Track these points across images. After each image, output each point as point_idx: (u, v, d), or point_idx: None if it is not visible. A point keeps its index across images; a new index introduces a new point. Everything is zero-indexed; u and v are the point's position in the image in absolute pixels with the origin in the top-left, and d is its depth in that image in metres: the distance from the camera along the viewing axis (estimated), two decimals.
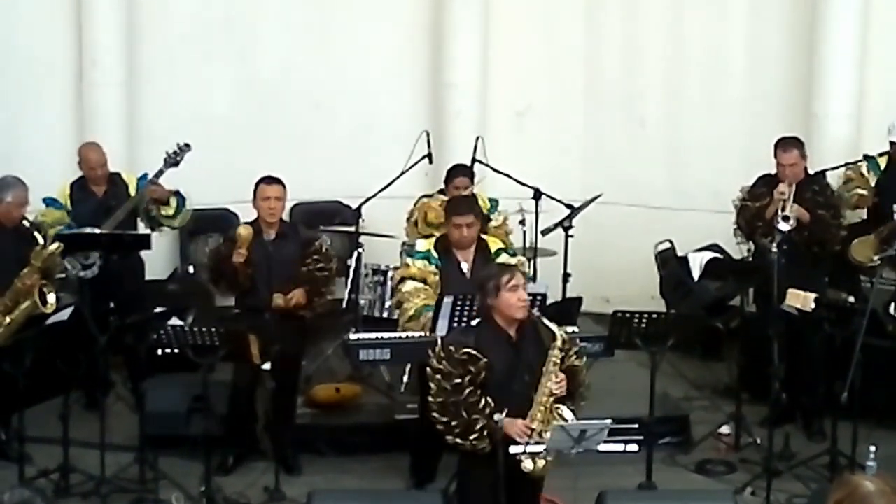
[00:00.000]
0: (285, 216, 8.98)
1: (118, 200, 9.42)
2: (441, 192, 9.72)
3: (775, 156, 9.11)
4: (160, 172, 9.39)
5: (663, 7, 11.55)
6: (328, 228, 10.61)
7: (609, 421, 6.50)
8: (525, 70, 11.77)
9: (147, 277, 9.90)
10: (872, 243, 9.25)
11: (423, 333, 7.95)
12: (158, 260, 10.33)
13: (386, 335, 8.21)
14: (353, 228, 9.92)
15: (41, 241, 8.56)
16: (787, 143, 9.14)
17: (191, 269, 10.70)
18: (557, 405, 6.54)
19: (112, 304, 9.15)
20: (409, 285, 8.27)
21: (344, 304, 9.82)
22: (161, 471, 8.21)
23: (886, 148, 9.56)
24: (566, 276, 9.87)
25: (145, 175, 9.48)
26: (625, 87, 11.69)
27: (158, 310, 8.49)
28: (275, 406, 8.57)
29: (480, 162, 10.14)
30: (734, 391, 9.34)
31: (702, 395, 9.94)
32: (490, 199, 9.85)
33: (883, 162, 9.56)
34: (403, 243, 9.76)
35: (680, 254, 10.68)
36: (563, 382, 6.54)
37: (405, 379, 9.41)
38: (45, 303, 8.41)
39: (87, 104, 10.90)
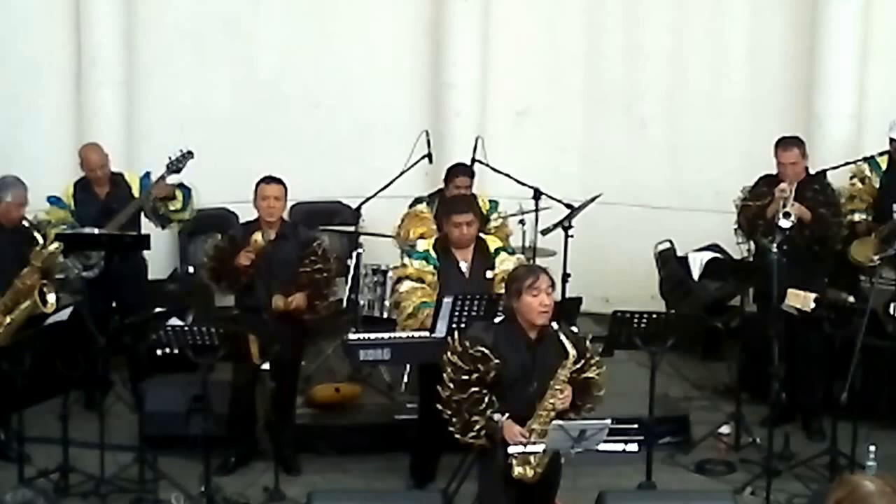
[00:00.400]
0: (285, 216, 8.97)
1: (120, 202, 9.42)
2: (440, 191, 9.72)
3: (776, 155, 9.11)
4: (161, 179, 9.38)
5: (664, 7, 11.54)
6: (328, 228, 10.60)
7: (609, 421, 6.50)
8: (525, 70, 11.77)
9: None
10: (872, 243, 9.25)
11: (422, 332, 7.94)
12: (158, 260, 10.33)
13: (386, 335, 8.21)
14: (352, 228, 9.92)
15: (41, 241, 8.56)
16: (787, 143, 9.14)
17: (190, 270, 10.70)
18: (557, 419, 6.47)
19: (115, 305, 9.14)
20: (406, 285, 8.26)
21: (344, 304, 9.81)
22: (161, 471, 8.22)
23: (887, 146, 9.55)
24: (566, 276, 9.86)
25: (148, 174, 9.47)
26: (625, 87, 11.68)
27: (158, 310, 8.49)
28: (274, 406, 8.57)
29: (480, 162, 10.14)
30: (734, 391, 9.33)
31: (702, 395, 9.94)
32: (490, 201, 9.85)
33: (883, 162, 9.56)
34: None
35: (680, 254, 10.68)
36: (567, 398, 6.49)
37: (405, 379, 9.42)
38: (45, 303, 8.41)
39: (86, 104, 10.90)
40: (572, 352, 6.47)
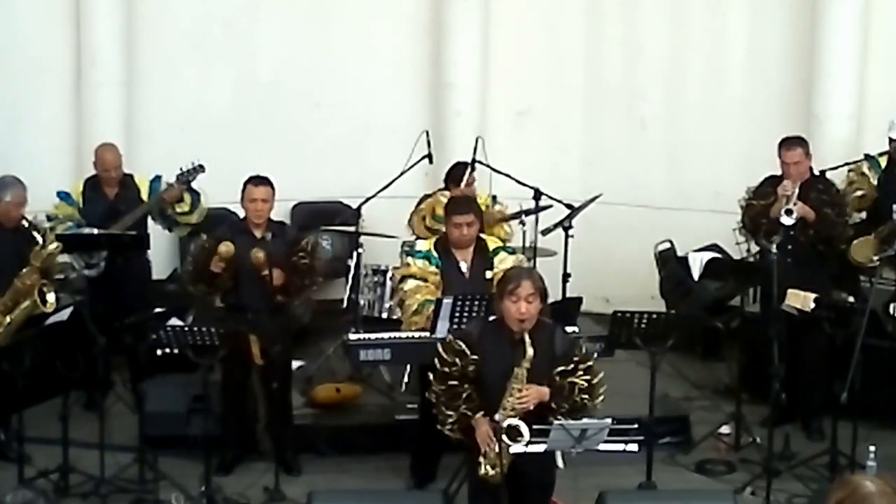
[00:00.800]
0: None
1: (127, 205, 9.42)
2: (444, 190, 9.72)
3: (779, 155, 9.10)
4: (171, 187, 9.37)
5: (663, 7, 11.54)
6: (328, 228, 10.61)
7: (609, 421, 6.49)
8: (525, 70, 11.77)
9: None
10: (872, 243, 9.24)
11: (422, 333, 7.94)
12: (158, 260, 10.31)
13: (386, 335, 8.21)
14: (353, 228, 9.91)
15: (40, 240, 8.55)
16: (790, 142, 9.14)
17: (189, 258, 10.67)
18: (519, 423, 6.39)
19: (118, 306, 9.13)
20: (410, 283, 8.27)
21: (344, 304, 9.80)
22: (161, 471, 8.22)
23: (887, 147, 9.55)
24: (566, 276, 9.86)
25: (158, 177, 9.45)
26: (625, 88, 11.69)
27: (158, 310, 8.49)
28: (269, 405, 8.57)
29: (480, 162, 10.13)
30: (734, 391, 9.33)
31: (702, 395, 9.94)
32: (491, 196, 9.87)
33: (884, 161, 9.56)
34: (404, 243, 9.76)
35: (680, 254, 10.68)
36: (526, 400, 6.42)
37: (405, 379, 9.41)
38: (44, 302, 8.40)
39: (87, 104, 10.90)
40: (530, 351, 6.41)
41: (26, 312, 8.42)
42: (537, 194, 9.96)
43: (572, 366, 6.54)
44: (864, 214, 9.66)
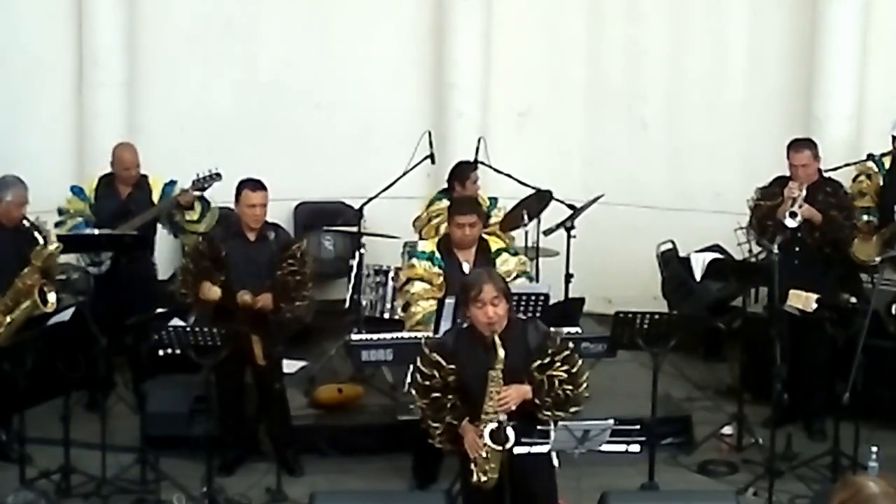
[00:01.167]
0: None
1: (139, 205, 9.43)
2: (445, 191, 9.72)
3: (788, 157, 9.08)
4: (185, 192, 9.37)
5: (664, 8, 11.55)
6: (330, 229, 10.61)
7: (611, 421, 6.48)
8: (527, 71, 11.78)
9: None
10: (875, 245, 9.24)
11: (425, 333, 7.93)
12: (160, 261, 10.30)
13: (388, 336, 8.21)
14: (355, 229, 9.92)
15: (41, 240, 8.55)
16: (798, 144, 9.13)
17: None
18: (510, 422, 6.32)
19: (123, 307, 9.12)
20: (417, 286, 8.26)
21: (346, 305, 9.80)
22: (162, 472, 8.22)
23: (889, 147, 9.54)
24: (568, 277, 9.87)
25: (173, 182, 9.44)
26: (626, 89, 11.69)
27: (159, 310, 8.48)
28: (264, 407, 8.57)
29: (482, 163, 10.15)
30: (736, 392, 9.33)
31: (704, 396, 9.94)
32: (490, 198, 9.88)
33: (887, 161, 9.55)
34: (406, 244, 9.76)
35: (682, 254, 10.67)
36: (507, 401, 6.32)
37: (408, 379, 9.39)
38: (45, 302, 8.40)
39: (88, 104, 10.90)
40: (501, 353, 6.28)
41: (27, 312, 8.42)
42: (539, 194, 9.96)
43: (548, 359, 6.41)
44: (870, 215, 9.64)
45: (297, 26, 11.58)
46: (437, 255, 8.30)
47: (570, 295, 9.69)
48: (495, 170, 10.16)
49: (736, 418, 9.08)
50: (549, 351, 6.45)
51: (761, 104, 11.20)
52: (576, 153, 11.80)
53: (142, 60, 11.08)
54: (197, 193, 9.39)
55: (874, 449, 7.60)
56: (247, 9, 11.47)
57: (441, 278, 8.22)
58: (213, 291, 8.38)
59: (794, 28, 10.99)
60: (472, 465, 6.42)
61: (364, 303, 9.74)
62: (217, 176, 9.35)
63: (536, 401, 6.40)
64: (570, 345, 6.57)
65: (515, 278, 8.39)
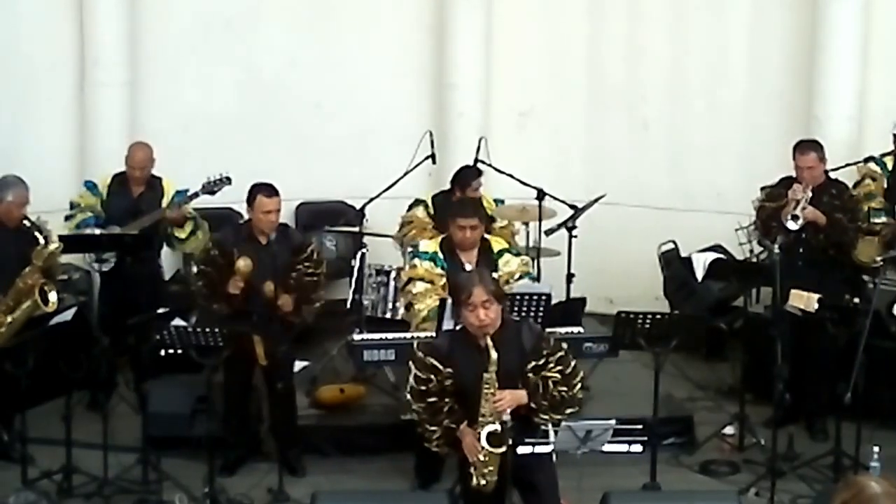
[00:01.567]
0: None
1: (149, 205, 9.42)
2: (444, 192, 9.73)
3: (794, 158, 9.07)
4: (194, 195, 9.37)
5: (665, 9, 11.55)
6: (332, 229, 10.60)
7: (613, 421, 6.49)
8: (528, 71, 11.78)
9: None
10: (876, 245, 9.24)
11: (428, 333, 7.94)
12: (163, 261, 10.31)
13: (390, 336, 8.22)
14: (356, 229, 9.92)
15: (42, 240, 8.55)
16: (804, 146, 9.12)
17: (194, 270, 10.66)
18: (498, 428, 6.29)
19: (128, 306, 9.12)
20: (419, 286, 8.26)
21: (348, 305, 9.80)
22: (164, 472, 8.21)
23: (890, 146, 9.54)
24: (570, 277, 9.87)
25: (185, 191, 9.42)
26: (627, 89, 11.69)
27: (161, 310, 8.48)
28: (272, 407, 8.56)
29: (483, 163, 10.15)
30: (738, 392, 9.33)
31: (705, 396, 9.94)
32: (495, 200, 9.88)
33: (889, 161, 9.55)
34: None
35: (683, 254, 10.68)
36: (502, 405, 6.28)
37: (410, 379, 9.39)
38: (46, 302, 8.40)
39: (89, 104, 10.90)
40: (493, 355, 6.24)
41: (28, 312, 8.41)
42: (540, 195, 9.96)
43: (542, 360, 6.37)
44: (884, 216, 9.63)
45: (298, 26, 11.58)
46: (440, 255, 8.30)
47: (572, 295, 9.69)
48: (497, 170, 10.16)
49: (738, 418, 9.08)
50: (544, 352, 6.41)
51: (762, 104, 11.20)
52: (577, 153, 11.80)
53: (143, 60, 11.08)
54: (189, 212, 9.37)
55: (876, 449, 7.60)
56: (248, 9, 11.47)
57: (443, 279, 8.22)
58: (246, 262, 8.26)
59: (794, 28, 10.99)
60: (472, 469, 6.40)
61: (366, 303, 9.73)
62: (227, 180, 9.35)
63: (532, 404, 6.37)
64: (564, 346, 6.53)
65: (518, 279, 8.40)
